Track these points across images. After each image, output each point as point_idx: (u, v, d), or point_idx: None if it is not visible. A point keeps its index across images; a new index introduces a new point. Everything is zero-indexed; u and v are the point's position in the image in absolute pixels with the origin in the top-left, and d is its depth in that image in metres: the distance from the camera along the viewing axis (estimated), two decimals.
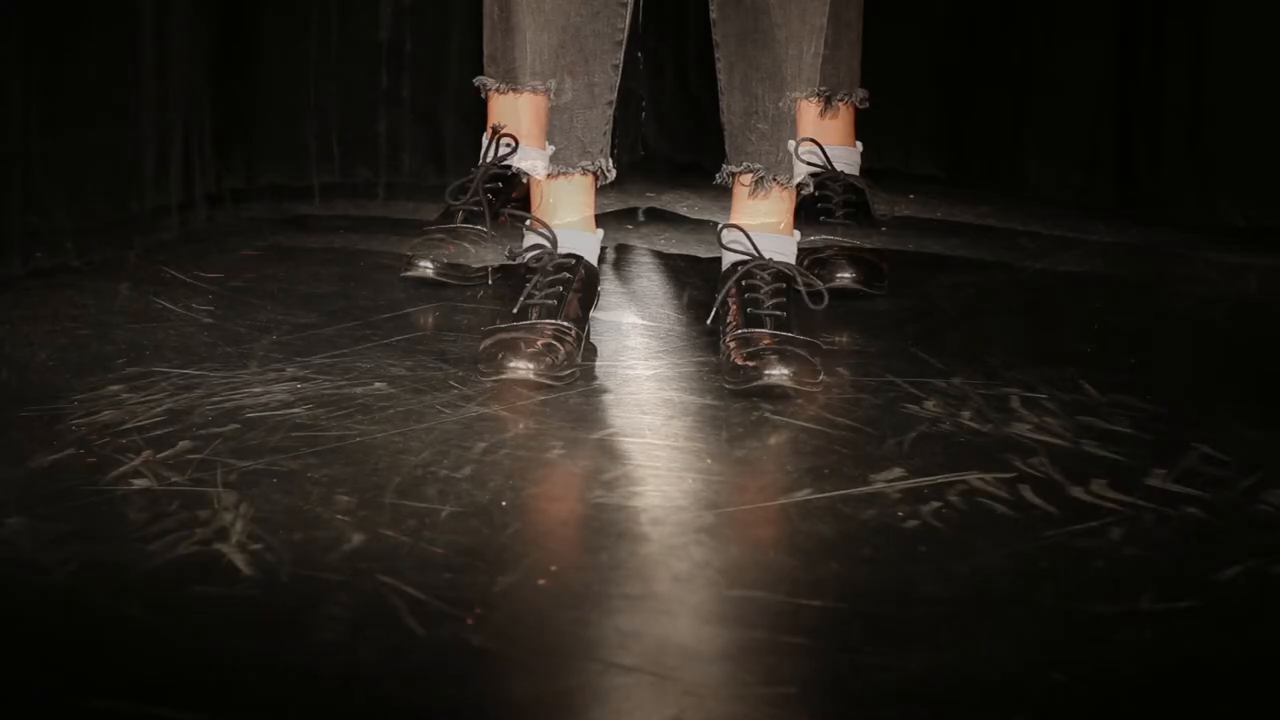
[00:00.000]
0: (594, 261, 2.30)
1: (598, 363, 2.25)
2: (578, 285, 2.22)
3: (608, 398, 2.13)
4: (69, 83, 2.81)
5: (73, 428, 1.96)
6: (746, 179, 2.30)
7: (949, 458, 1.92)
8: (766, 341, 2.13)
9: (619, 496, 1.81)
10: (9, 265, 2.66)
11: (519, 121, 2.53)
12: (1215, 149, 3.26)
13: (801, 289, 2.21)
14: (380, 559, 1.62)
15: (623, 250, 3.03)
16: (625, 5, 2.28)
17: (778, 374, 2.10)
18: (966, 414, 2.06)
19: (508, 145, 2.54)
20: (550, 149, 2.32)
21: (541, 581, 1.60)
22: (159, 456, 1.88)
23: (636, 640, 1.49)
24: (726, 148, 2.34)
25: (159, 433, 1.95)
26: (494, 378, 2.11)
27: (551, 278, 2.21)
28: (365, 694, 1.37)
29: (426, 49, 3.46)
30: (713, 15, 2.31)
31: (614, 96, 2.31)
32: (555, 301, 2.18)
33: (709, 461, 1.92)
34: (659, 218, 3.35)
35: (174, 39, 3.00)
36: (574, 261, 2.24)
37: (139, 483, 1.80)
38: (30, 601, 1.53)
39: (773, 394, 2.09)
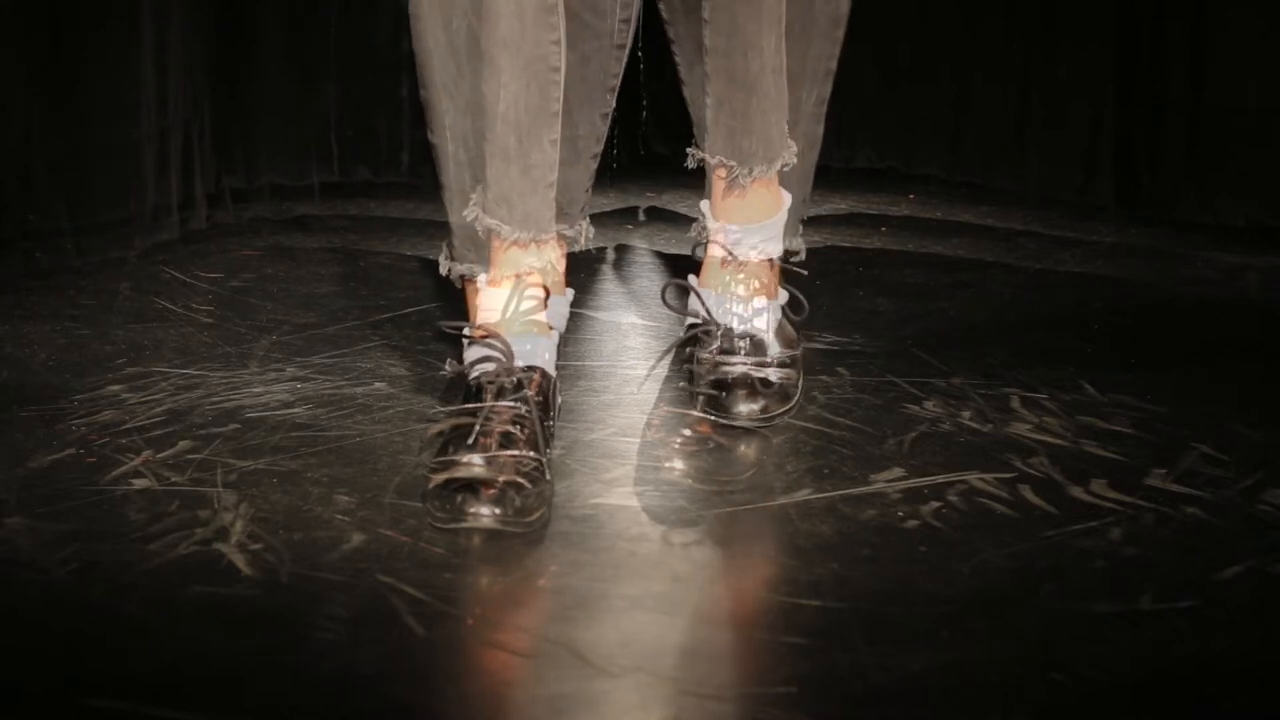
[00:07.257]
0: (552, 369, 1.94)
1: (598, 363, 2.25)
2: (537, 403, 1.86)
3: (608, 398, 2.13)
4: (69, 83, 2.81)
5: (73, 428, 1.96)
6: (722, 172, 2.08)
7: (949, 458, 1.92)
8: (739, 371, 2.05)
9: (619, 496, 1.81)
10: (9, 265, 2.67)
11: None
12: (1215, 149, 3.26)
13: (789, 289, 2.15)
14: (380, 559, 1.62)
15: (623, 250, 3.03)
16: (624, 48, 2.03)
17: (746, 410, 2.02)
18: (966, 414, 2.06)
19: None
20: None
21: (541, 581, 1.60)
22: (159, 456, 1.88)
23: (636, 641, 1.49)
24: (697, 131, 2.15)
25: (159, 433, 1.95)
26: (451, 525, 1.71)
27: (511, 398, 1.85)
28: (365, 694, 1.37)
29: None
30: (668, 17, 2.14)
31: (600, 149, 2.10)
32: (516, 428, 1.81)
33: (709, 462, 1.92)
34: (659, 218, 3.35)
35: (174, 39, 3.00)
36: (531, 377, 1.89)
37: (139, 483, 1.80)
38: (30, 601, 1.53)
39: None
